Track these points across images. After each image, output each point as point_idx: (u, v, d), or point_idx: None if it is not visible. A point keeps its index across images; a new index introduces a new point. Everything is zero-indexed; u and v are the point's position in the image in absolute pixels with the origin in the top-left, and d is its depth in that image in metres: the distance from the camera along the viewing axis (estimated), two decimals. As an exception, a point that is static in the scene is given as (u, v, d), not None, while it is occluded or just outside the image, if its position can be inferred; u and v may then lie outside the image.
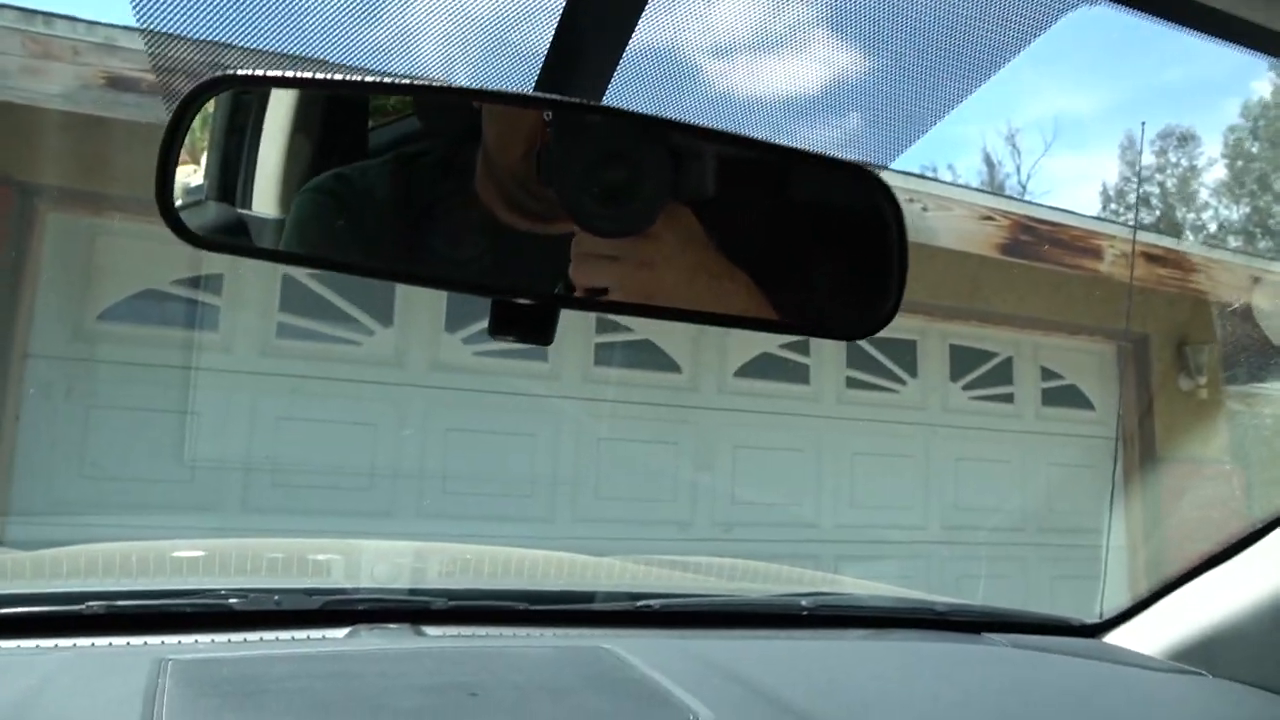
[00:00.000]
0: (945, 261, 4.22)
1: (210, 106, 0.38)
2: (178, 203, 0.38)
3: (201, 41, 0.77)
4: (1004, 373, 5.21)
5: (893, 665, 1.08)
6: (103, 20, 2.83)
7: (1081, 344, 5.22)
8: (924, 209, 3.92)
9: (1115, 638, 1.28)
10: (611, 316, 3.65)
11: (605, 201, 0.37)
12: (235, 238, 0.38)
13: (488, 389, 3.85)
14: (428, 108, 0.39)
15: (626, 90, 0.57)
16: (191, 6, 0.72)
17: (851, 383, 4.69)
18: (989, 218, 4.17)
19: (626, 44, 0.50)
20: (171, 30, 0.77)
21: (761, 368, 4.43)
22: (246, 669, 0.75)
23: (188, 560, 1.36)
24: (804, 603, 1.20)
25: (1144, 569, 4.52)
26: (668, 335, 4.21)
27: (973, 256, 4.23)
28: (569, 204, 0.37)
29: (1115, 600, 1.35)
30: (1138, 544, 4.62)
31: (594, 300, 0.39)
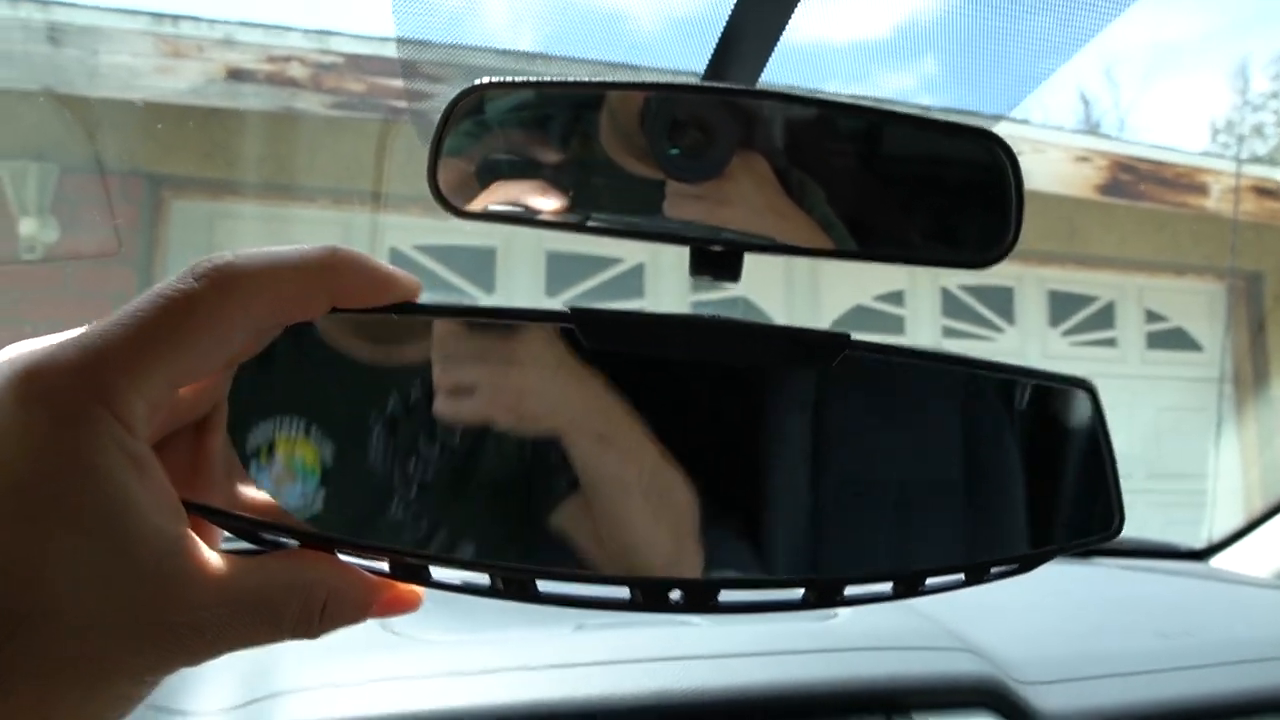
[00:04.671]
0: (1041, 205, 4.15)
1: (465, 106, 0.49)
2: (440, 181, 0.49)
3: (446, 46, 0.89)
4: (1106, 317, 5.11)
5: (1011, 584, 1.16)
6: (221, 19, 3.02)
7: (1189, 284, 5.07)
8: (1018, 153, 3.86)
9: (1220, 561, 1.33)
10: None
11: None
12: (487, 208, 0.50)
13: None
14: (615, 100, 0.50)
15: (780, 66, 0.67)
16: (444, 18, 0.84)
17: (948, 332, 4.68)
18: (1085, 159, 4.09)
19: (782, 30, 0.60)
20: (423, 39, 0.89)
21: (855, 320, 4.46)
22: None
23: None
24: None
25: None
26: (762, 290, 4.27)
27: (1069, 199, 4.15)
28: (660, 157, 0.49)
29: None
30: (1253, 487, 4.51)
31: (769, 244, 0.48)
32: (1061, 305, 5.00)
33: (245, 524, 0.31)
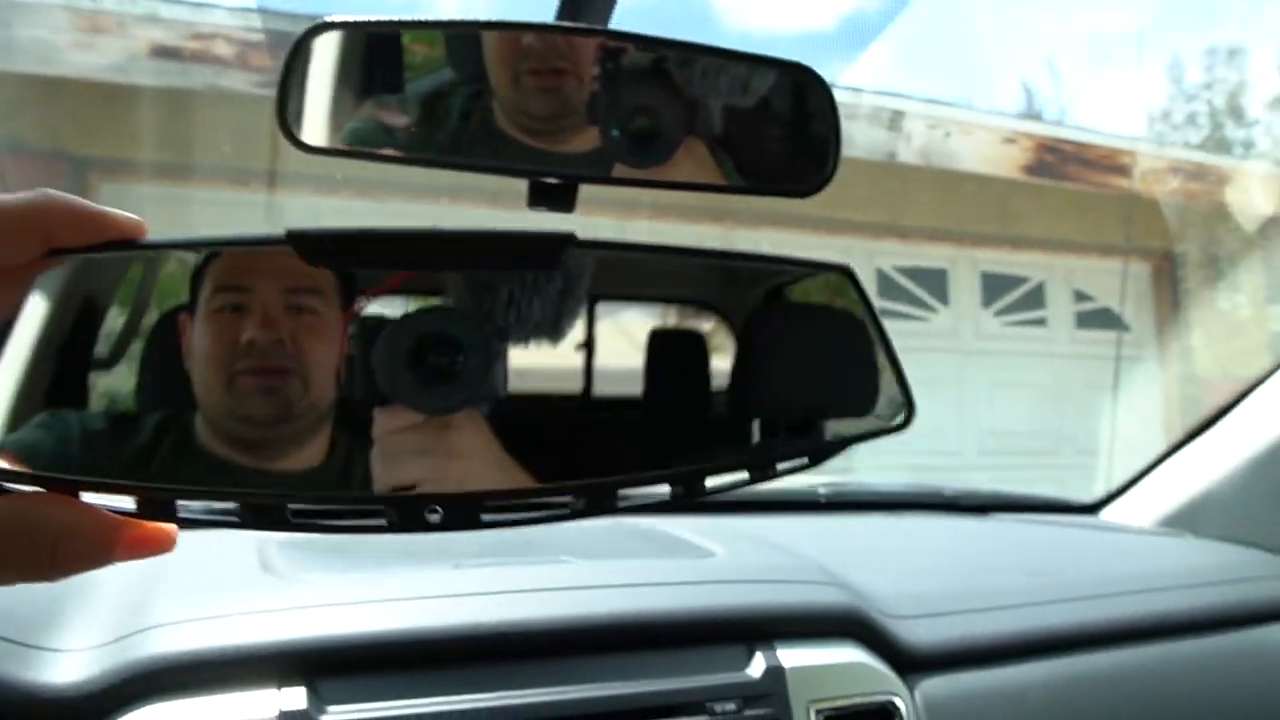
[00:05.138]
0: (973, 187, 4.25)
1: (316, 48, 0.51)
2: (289, 114, 0.51)
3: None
4: (1036, 297, 5.24)
5: (901, 536, 1.21)
6: (144, -8, 2.96)
7: (1115, 265, 5.22)
8: (946, 134, 3.95)
9: (1109, 513, 1.40)
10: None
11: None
12: (333, 143, 0.52)
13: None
14: (463, 39, 0.53)
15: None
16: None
17: (881, 313, 4.75)
18: (1012, 140, 4.19)
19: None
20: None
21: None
22: (335, 537, 0.89)
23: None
24: (821, 490, 1.32)
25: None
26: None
27: (999, 180, 4.26)
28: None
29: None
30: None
31: (602, 177, 0.51)
32: (994, 286, 5.12)
33: None
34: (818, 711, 0.68)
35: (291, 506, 0.32)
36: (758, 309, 0.39)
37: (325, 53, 0.51)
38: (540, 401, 0.38)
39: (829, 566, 0.86)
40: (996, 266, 5.08)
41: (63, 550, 0.31)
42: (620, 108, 0.52)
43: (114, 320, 0.36)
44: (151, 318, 0.36)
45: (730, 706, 0.64)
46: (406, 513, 0.32)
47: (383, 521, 0.32)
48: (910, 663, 0.78)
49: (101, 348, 0.35)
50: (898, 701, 0.73)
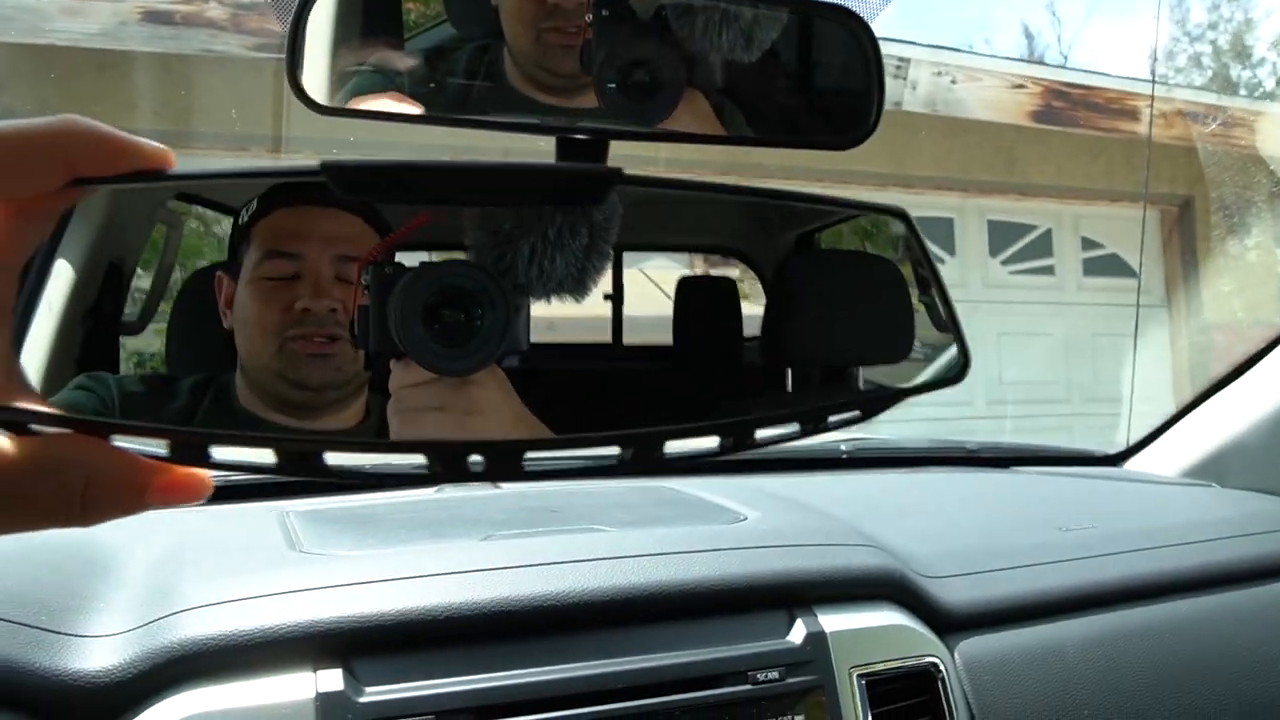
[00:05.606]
0: (980, 134, 4.19)
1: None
2: (300, 75, 0.48)
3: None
4: (1044, 245, 5.19)
5: (927, 491, 1.19)
6: (131, -45, 2.89)
7: (1124, 211, 5.16)
8: (953, 81, 3.88)
9: (1134, 464, 1.38)
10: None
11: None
12: (343, 104, 0.49)
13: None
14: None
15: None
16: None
17: (889, 265, 4.71)
18: (1020, 85, 4.12)
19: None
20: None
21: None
22: (357, 510, 0.88)
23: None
24: (843, 448, 1.31)
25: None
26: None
27: (1006, 127, 4.19)
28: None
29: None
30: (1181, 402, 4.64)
31: (632, 131, 0.48)
32: (1001, 234, 5.07)
33: (11, 414, 0.29)
34: (860, 676, 0.67)
35: (329, 456, 0.30)
36: (789, 255, 0.37)
37: (338, 5, 0.48)
38: (564, 355, 0.36)
39: (860, 526, 0.84)
40: (1003, 215, 5.02)
41: (93, 493, 0.29)
42: (630, 61, 0.49)
43: (142, 283, 0.35)
44: (179, 278, 0.35)
45: (773, 674, 0.63)
46: (448, 461, 0.31)
47: (424, 471, 0.31)
48: (949, 623, 0.77)
49: (131, 310, 0.34)
50: (939, 663, 0.71)
